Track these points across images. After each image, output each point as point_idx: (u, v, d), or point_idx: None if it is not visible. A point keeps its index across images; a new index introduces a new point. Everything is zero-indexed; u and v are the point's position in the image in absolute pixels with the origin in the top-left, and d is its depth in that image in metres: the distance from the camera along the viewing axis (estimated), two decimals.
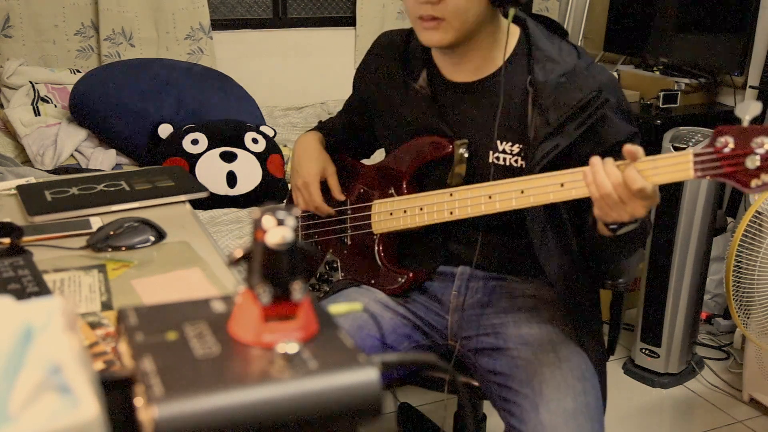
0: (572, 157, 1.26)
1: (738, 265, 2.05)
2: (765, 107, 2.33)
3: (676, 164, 1.07)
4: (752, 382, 2.36)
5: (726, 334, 2.75)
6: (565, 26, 3.61)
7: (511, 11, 1.30)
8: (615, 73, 3.29)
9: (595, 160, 1.12)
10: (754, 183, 1.02)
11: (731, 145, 1.03)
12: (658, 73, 3.15)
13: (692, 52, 2.99)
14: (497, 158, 1.35)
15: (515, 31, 1.36)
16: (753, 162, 1.02)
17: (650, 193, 1.09)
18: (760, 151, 1.01)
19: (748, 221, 2.03)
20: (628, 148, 1.10)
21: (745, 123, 1.04)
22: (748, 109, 1.05)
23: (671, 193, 2.34)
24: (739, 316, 2.10)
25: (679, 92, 2.94)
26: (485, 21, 1.29)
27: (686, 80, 3.00)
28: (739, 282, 2.06)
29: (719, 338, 2.76)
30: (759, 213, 2.03)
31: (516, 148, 1.34)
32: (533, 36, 1.33)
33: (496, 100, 1.33)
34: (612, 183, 1.10)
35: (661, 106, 2.91)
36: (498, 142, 1.35)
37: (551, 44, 1.33)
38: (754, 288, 2.05)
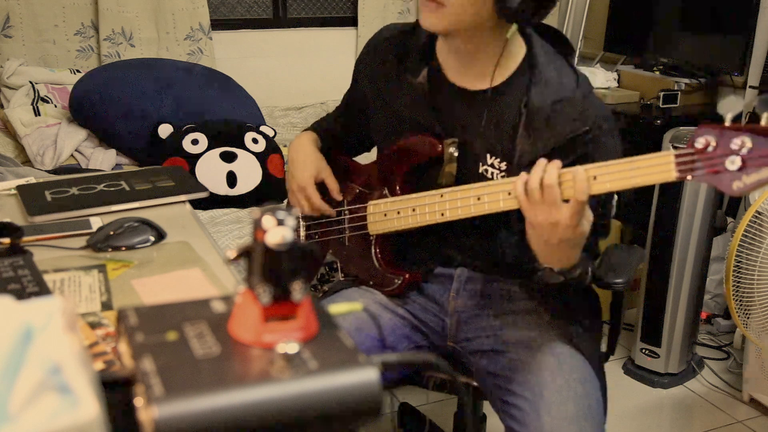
0: None
1: (738, 265, 2.05)
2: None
3: (656, 165, 1.06)
4: (752, 382, 2.36)
5: (726, 334, 2.75)
6: (564, 26, 3.63)
7: (513, 27, 1.29)
8: (615, 73, 3.28)
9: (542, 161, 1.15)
10: (735, 185, 1.00)
11: (713, 145, 1.02)
12: (658, 73, 3.15)
13: (692, 52, 2.99)
14: (485, 171, 1.36)
15: (521, 49, 1.35)
16: (734, 163, 1.00)
17: (557, 198, 1.11)
18: (742, 151, 0.99)
19: (748, 221, 2.03)
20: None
21: (728, 121, 1.02)
22: (729, 106, 1.04)
23: (671, 193, 2.35)
24: (739, 316, 2.10)
25: (679, 92, 2.94)
26: (489, 27, 1.28)
27: (686, 80, 3.00)
28: (739, 282, 2.06)
29: (719, 338, 2.76)
30: (759, 213, 2.03)
31: (503, 166, 1.34)
32: (536, 56, 1.32)
33: (492, 113, 1.33)
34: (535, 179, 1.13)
35: (661, 106, 2.91)
36: (488, 155, 1.35)
37: (552, 66, 1.32)
38: (754, 288, 2.05)
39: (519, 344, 1.37)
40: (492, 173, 1.35)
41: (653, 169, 1.07)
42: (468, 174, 1.36)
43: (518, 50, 1.35)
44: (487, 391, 1.39)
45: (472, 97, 1.36)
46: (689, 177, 1.04)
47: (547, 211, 1.12)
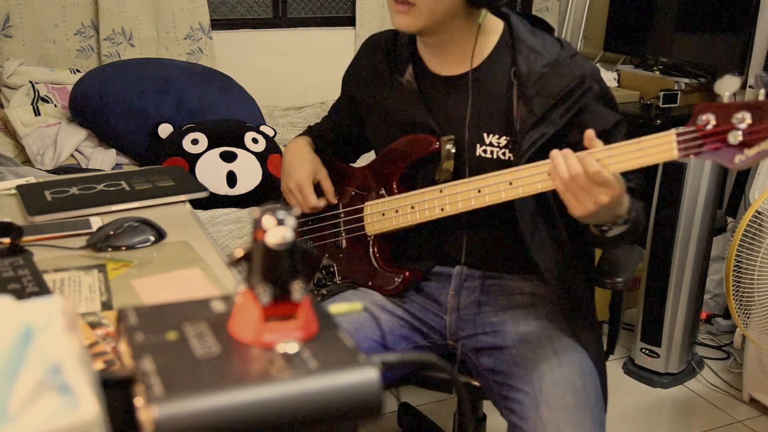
0: (559, 147, 1.27)
1: (738, 265, 2.05)
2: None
3: (659, 145, 1.08)
4: (752, 382, 2.36)
5: (726, 334, 2.75)
6: (564, 26, 3.63)
7: (483, 12, 1.32)
8: (615, 73, 3.29)
9: (554, 152, 1.14)
10: (738, 159, 1.03)
11: (713, 122, 1.04)
12: (658, 73, 3.15)
13: (692, 52, 2.99)
14: (484, 151, 1.36)
15: (498, 26, 1.37)
16: (735, 137, 1.03)
17: (608, 178, 1.10)
18: (742, 126, 1.02)
19: (748, 221, 2.02)
20: (588, 133, 1.13)
21: (725, 99, 1.05)
22: (727, 86, 1.06)
23: (671, 193, 2.35)
24: (739, 316, 2.10)
25: (679, 92, 2.94)
26: (460, 15, 1.31)
27: (686, 80, 3.00)
28: (739, 282, 2.06)
29: (719, 338, 2.76)
30: (759, 213, 2.03)
31: (503, 141, 1.34)
32: (516, 29, 1.35)
33: (481, 92, 1.34)
34: (570, 173, 1.12)
35: (661, 106, 2.90)
36: (485, 134, 1.35)
37: (534, 37, 1.35)
38: (754, 288, 2.05)
39: (518, 339, 1.37)
40: (492, 152, 1.35)
41: (655, 149, 1.09)
42: (466, 160, 1.37)
43: (494, 28, 1.37)
44: (488, 387, 1.39)
45: (456, 82, 1.37)
46: (691, 155, 1.06)
47: (586, 195, 1.13)
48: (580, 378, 1.28)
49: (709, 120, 1.04)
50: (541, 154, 1.24)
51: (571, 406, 1.23)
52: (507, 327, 1.40)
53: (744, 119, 1.02)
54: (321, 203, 1.53)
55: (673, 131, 1.07)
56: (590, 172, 1.10)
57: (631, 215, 1.22)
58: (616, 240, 1.25)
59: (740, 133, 1.02)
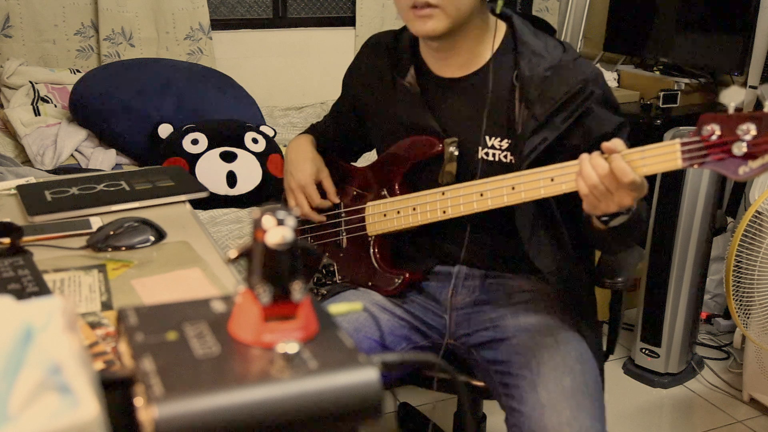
0: (561, 151, 1.27)
1: (738, 265, 2.05)
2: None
3: (663, 154, 1.08)
4: (752, 382, 2.36)
5: (726, 334, 2.75)
6: (564, 26, 3.63)
7: (500, 2, 1.31)
8: (615, 73, 3.29)
9: (583, 156, 1.13)
10: (742, 170, 1.03)
11: (717, 133, 1.04)
12: (658, 73, 3.15)
13: (692, 52, 2.99)
14: (486, 154, 1.36)
15: (501, 28, 1.36)
16: (740, 149, 1.03)
17: (639, 183, 1.10)
18: (747, 137, 1.02)
19: (748, 221, 2.02)
20: (606, 144, 1.11)
21: (731, 110, 1.05)
22: (732, 96, 1.06)
23: (671, 193, 2.35)
24: (739, 316, 2.10)
25: (679, 92, 2.94)
26: (475, 13, 1.30)
27: (686, 80, 3.00)
28: (739, 282, 2.06)
29: (719, 338, 2.76)
30: (759, 213, 2.03)
31: (505, 144, 1.34)
32: (519, 32, 1.34)
33: (483, 95, 1.34)
34: (598, 174, 1.10)
35: (661, 106, 2.91)
36: (486, 137, 1.35)
37: (537, 40, 1.34)
38: (754, 288, 2.05)
39: (518, 330, 1.37)
40: (494, 155, 1.35)
41: (660, 158, 1.08)
42: (467, 162, 1.36)
43: (498, 30, 1.36)
44: (489, 380, 1.40)
45: (460, 84, 1.37)
46: (696, 165, 1.05)
47: (610, 197, 1.12)
48: (578, 363, 1.28)
49: (713, 130, 1.04)
50: (543, 158, 1.24)
51: (569, 388, 1.24)
52: (506, 320, 1.41)
53: (749, 131, 1.02)
54: (325, 203, 1.52)
55: (677, 141, 1.07)
56: (624, 181, 1.08)
57: (633, 206, 1.21)
58: (617, 233, 1.23)
59: (745, 144, 1.02)
